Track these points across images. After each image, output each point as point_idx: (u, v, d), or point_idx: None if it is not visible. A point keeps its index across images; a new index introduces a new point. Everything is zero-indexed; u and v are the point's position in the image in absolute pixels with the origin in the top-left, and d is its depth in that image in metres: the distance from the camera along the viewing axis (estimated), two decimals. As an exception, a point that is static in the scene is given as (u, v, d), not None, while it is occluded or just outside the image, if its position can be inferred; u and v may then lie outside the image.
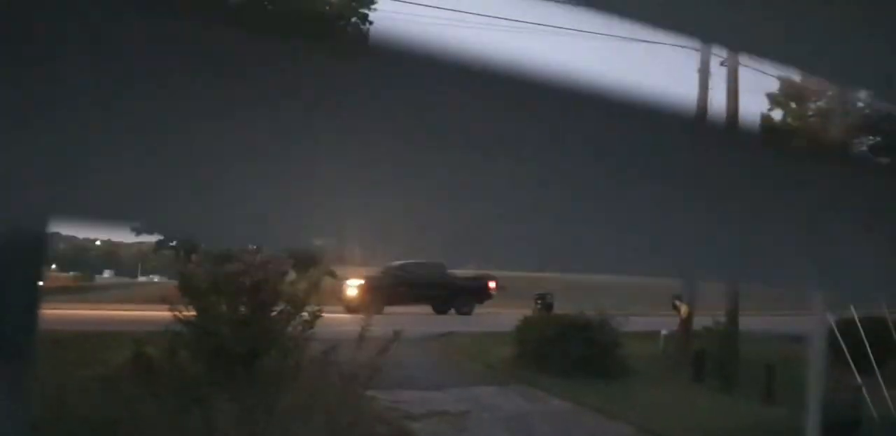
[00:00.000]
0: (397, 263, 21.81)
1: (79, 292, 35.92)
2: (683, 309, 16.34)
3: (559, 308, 18.84)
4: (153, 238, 33.03)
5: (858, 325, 12.81)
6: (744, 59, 16.31)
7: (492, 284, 25.52)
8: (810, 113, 26.57)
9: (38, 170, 0.57)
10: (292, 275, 9.14)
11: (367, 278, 21.95)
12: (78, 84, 0.58)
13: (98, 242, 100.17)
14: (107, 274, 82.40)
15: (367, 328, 8.08)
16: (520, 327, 14.75)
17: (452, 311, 23.43)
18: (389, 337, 8.19)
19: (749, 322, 16.31)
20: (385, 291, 19.71)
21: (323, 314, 8.53)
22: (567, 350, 13.25)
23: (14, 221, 0.63)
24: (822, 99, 24.64)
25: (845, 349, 11.87)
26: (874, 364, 11.56)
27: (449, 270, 22.18)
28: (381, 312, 15.65)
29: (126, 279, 68.63)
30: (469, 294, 23.91)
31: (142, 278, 70.84)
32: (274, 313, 8.29)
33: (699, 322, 15.73)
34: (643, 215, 0.86)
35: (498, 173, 0.76)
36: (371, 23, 22.58)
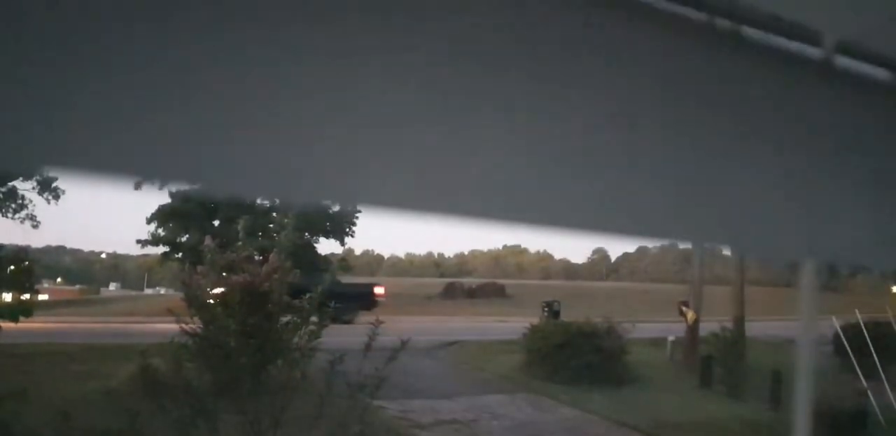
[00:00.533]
0: None
1: (85, 305, 35.98)
2: (690, 315, 16.30)
3: (565, 315, 18.80)
4: (159, 250, 33.11)
5: (863, 329, 12.79)
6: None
7: (378, 291, 24.22)
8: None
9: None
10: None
11: None
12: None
13: (104, 255, 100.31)
14: (113, 287, 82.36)
15: (373, 338, 8.06)
16: (527, 334, 14.72)
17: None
18: (396, 346, 8.17)
19: (755, 327, 16.28)
20: None
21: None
22: (574, 358, 13.23)
23: None
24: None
25: (851, 354, 11.85)
26: (880, 369, 11.53)
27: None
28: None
29: (132, 292, 68.62)
30: (351, 302, 21.84)
31: (148, 290, 70.81)
32: (280, 324, 8.29)
33: (706, 328, 15.70)
34: None
35: None
36: None
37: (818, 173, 1.05)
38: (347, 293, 21.83)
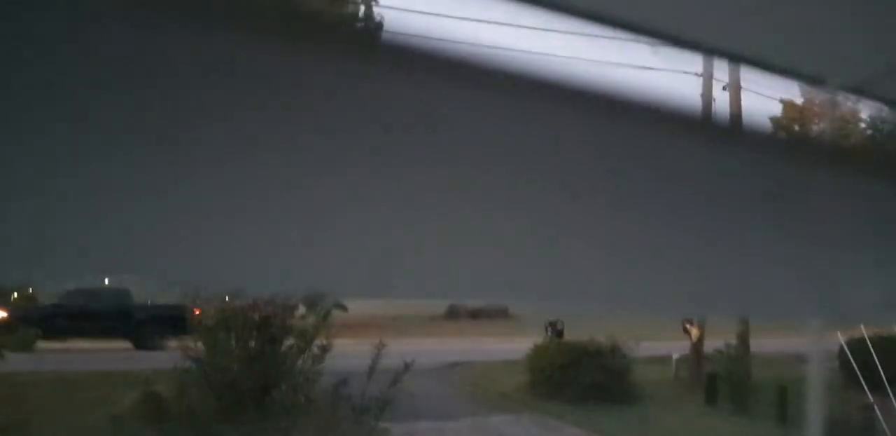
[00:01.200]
0: (65, 290, 18.86)
1: (89, 332, 35.69)
2: (694, 332, 16.24)
3: (570, 334, 18.72)
4: (161, 276, 33.07)
5: (868, 343, 12.74)
6: (746, 82, 16.43)
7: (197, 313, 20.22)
8: (814, 135, 26.51)
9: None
10: (301, 309, 9.15)
11: (16, 308, 18.49)
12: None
13: (107, 281, 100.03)
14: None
15: (377, 360, 8.06)
16: (531, 354, 14.67)
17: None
18: (400, 368, 8.17)
19: (760, 343, 16.22)
20: (38, 324, 16.73)
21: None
22: (579, 377, 13.19)
23: None
24: (825, 120, 24.59)
25: (856, 368, 11.80)
26: (885, 382, 11.48)
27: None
28: (32, 348, 14.00)
29: (136, 318, 68.11)
30: (157, 326, 18.66)
31: (151, 316, 70.30)
32: (284, 348, 8.28)
33: (710, 345, 15.64)
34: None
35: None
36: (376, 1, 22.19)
37: (820, 238, 1.05)
38: (156, 317, 19.18)
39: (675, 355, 16.68)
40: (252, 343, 8.13)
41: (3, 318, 17.51)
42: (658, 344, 17.65)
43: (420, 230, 0.75)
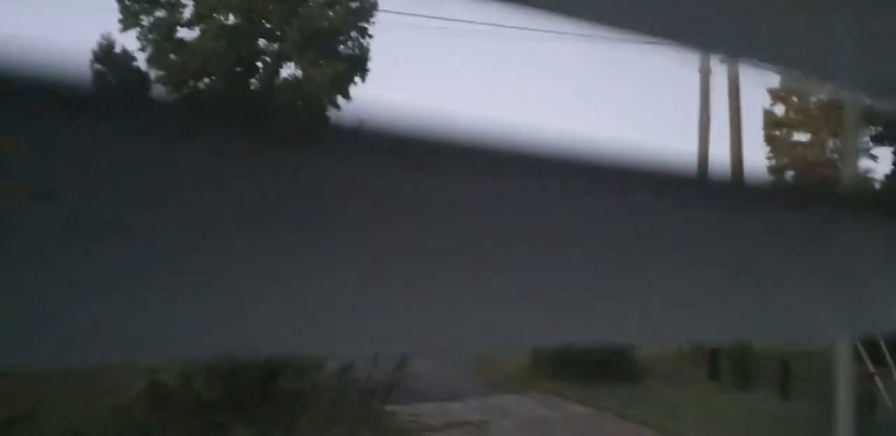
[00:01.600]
0: None
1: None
2: (695, 308, 16.29)
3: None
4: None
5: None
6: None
7: None
8: (812, 106, 26.46)
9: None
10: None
11: None
12: None
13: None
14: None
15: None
16: (533, 334, 14.72)
17: None
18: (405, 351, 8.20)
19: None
20: None
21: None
22: (581, 355, 13.23)
23: None
24: (823, 92, 24.53)
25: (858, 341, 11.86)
26: (886, 354, 11.55)
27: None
28: None
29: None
30: None
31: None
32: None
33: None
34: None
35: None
36: (371, 36, 22.64)
37: (840, 246, 1.03)
38: None
39: (677, 331, 16.73)
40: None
41: None
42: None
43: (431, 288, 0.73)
